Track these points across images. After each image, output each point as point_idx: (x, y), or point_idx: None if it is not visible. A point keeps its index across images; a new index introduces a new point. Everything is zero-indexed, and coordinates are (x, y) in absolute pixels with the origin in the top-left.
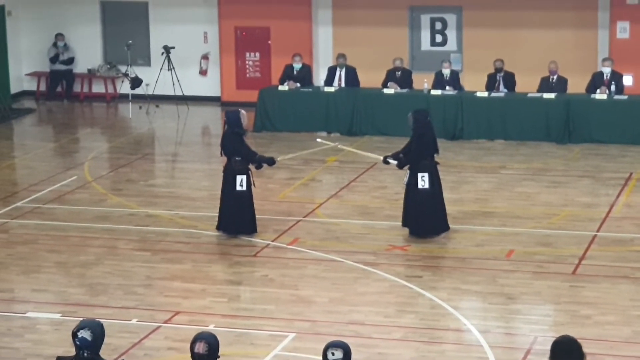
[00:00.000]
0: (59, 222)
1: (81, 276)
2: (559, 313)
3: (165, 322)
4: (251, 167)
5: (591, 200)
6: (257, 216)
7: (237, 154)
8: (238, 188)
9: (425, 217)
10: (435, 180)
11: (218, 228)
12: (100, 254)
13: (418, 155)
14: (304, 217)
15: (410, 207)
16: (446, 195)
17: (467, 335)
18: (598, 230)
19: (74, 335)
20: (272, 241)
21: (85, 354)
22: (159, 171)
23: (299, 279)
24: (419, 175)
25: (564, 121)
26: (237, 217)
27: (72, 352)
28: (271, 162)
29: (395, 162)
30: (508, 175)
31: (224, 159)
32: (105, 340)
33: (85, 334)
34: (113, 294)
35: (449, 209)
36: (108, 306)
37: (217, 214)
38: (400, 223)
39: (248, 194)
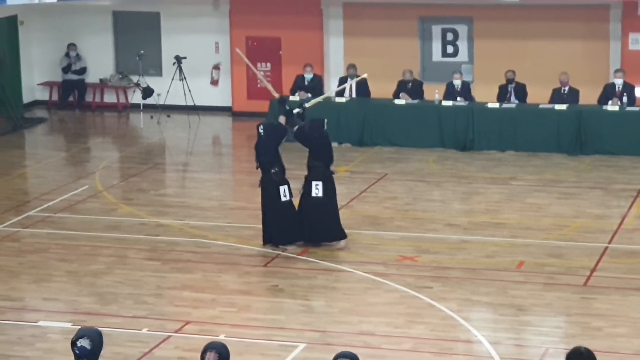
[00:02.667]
0: (70, 231)
1: (92, 285)
2: (570, 325)
3: (176, 331)
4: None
5: (602, 211)
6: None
7: (275, 164)
8: (283, 199)
9: (320, 224)
10: (329, 188)
11: (266, 243)
12: (110, 263)
13: (311, 135)
14: None
15: (303, 216)
16: (457, 206)
17: (477, 347)
18: (609, 242)
19: (73, 344)
20: (283, 251)
21: None
22: (169, 181)
23: (309, 289)
24: (313, 183)
25: (576, 132)
26: (285, 227)
27: None
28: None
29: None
30: (519, 187)
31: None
32: (116, 349)
33: (84, 342)
34: (123, 303)
35: (460, 220)
36: (118, 315)
37: (262, 229)
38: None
39: (291, 203)
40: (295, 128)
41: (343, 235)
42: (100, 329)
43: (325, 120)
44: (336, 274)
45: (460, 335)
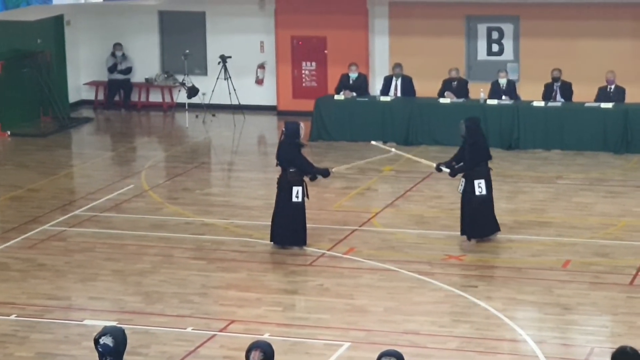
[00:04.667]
0: (116, 230)
1: (137, 284)
2: (616, 324)
3: (221, 330)
4: (305, 178)
5: None
6: (313, 225)
7: (294, 164)
8: (294, 199)
9: (482, 221)
10: (489, 185)
11: (272, 240)
12: (156, 262)
13: (472, 163)
14: (360, 226)
15: (467, 215)
16: (502, 204)
17: (522, 346)
18: None
19: (96, 342)
20: (328, 250)
21: None
22: (214, 180)
23: (354, 288)
24: (476, 182)
25: (622, 131)
26: (290, 228)
27: None
28: (326, 173)
29: (447, 170)
30: (565, 185)
31: (279, 169)
32: (161, 348)
33: (107, 340)
34: (169, 302)
35: (506, 219)
36: (164, 314)
37: (270, 225)
38: (459, 232)
39: (302, 205)
40: (449, 171)
41: (498, 228)
42: (146, 327)
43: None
44: (381, 272)
45: (505, 334)
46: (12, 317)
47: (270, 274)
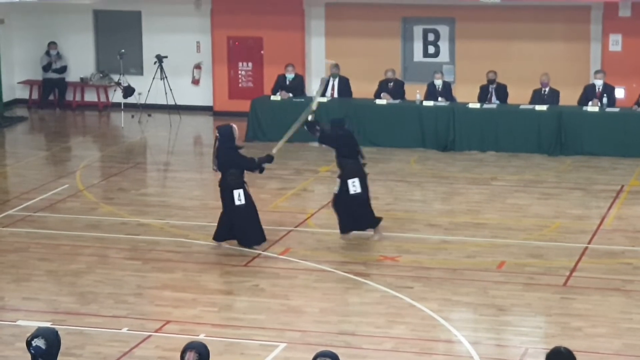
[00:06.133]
0: (50, 230)
1: (72, 285)
2: (550, 325)
3: (156, 331)
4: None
5: (582, 212)
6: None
7: (236, 166)
8: (237, 203)
9: (359, 216)
10: (364, 183)
11: (215, 238)
12: (91, 263)
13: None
14: (296, 227)
15: (345, 212)
16: (438, 206)
17: (457, 347)
18: (589, 243)
19: (28, 344)
20: (263, 251)
21: None
22: (150, 180)
23: (290, 288)
24: (349, 181)
25: (556, 133)
26: (244, 229)
27: None
28: (270, 159)
29: (317, 129)
30: (500, 187)
31: (218, 173)
32: (96, 349)
33: (39, 342)
34: (104, 303)
35: (441, 220)
36: (99, 315)
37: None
38: (359, 230)
39: (247, 206)
40: (318, 134)
41: (378, 221)
42: (80, 328)
43: (345, 117)
44: (317, 273)
45: (441, 335)
46: None
47: (205, 274)
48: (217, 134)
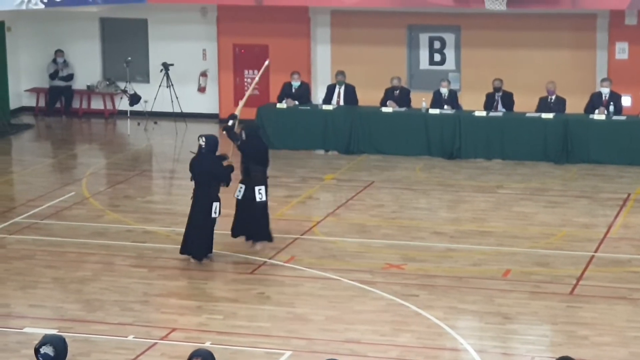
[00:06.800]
0: (56, 237)
1: (78, 292)
2: (556, 333)
3: (162, 338)
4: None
5: (589, 220)
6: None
7: (217, 178)
8: (213, 215)
9: (262, 225)
10: (268, 192)
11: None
12: (97, 270)
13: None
14: (301, 235)
15: (246, 219)
16: (443, 214)
17: (463, 355)
18: (595, 251)
19: (37, 351)
20: (269, 259)
21: None
22: (156, 188)
23: (296, 296)
24: (256, 188)
25: (562, 141)
26: (208, 242)
27: None
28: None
29: (234, 127)
30: (506, 195)
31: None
32: (102, 356)
33: (47, 349)
34: (109, 310)
35: (447, 228)
36: (105, 322)
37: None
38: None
39: (214, 221)
40: (238, 142)
41: (270, 239)
42: (86, 335)
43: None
44: (322, 281)
45: (447, 343)
46: None
47: (211, 282)
48: (202, 143)
